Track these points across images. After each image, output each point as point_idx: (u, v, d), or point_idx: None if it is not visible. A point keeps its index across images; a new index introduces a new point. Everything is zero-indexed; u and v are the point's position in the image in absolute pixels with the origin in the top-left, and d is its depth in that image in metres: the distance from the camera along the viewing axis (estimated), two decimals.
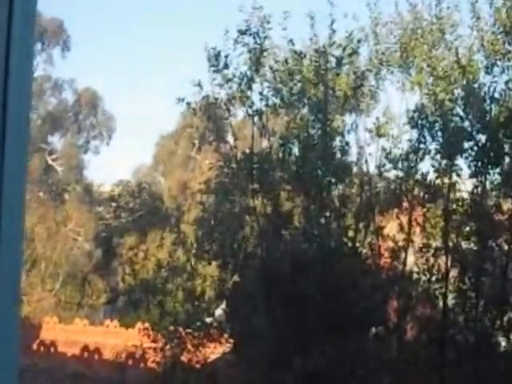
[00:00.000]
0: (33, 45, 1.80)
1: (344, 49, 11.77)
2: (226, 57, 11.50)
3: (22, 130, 1.74)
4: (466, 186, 11.87)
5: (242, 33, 11.45)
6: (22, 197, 1.80)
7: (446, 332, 11.36)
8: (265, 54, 11.60)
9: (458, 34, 11.86)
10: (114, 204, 36.06)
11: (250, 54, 11.48)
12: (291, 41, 11.85)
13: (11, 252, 1.73)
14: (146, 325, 12.51)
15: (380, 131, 11.90)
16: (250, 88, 11.62)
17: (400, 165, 11.79)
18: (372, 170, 12.08)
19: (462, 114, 11.66)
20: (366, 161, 12.00)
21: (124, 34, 43.31)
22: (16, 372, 1.72)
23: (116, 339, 15.15)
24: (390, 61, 12.06)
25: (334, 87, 11.78)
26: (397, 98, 12.09)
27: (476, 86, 11.64)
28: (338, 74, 11.81)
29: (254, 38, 11.48)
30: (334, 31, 11.88)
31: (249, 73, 11.56)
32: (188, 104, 11.67)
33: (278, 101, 11.90)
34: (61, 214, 32.92)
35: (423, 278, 11.61)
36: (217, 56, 11.54)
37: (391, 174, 12.05)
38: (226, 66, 11.56)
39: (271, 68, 11.83)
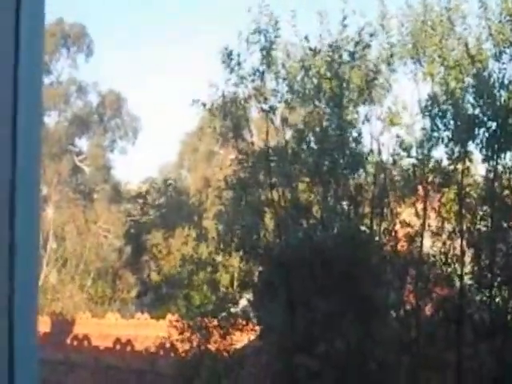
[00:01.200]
0: (42, 51, 1.81)
1: (357, 43, 12.09)
2: (239, 56, 11.87)
3: (34, 132, 1.77)
4: (478, 170, 12.20)
5: (253, 32, 11.83)
6: (37, 203, 1.79)
7: (462, 312, 11.66)
8: (275, 47, 11.93)
9: (467, 24, 12.17)
10: (141, 201, 36.35)
11: (262, 52, 11.84)
12: (306, 37, 12.19)
13: (27, 258, 1.73)
14: (175, 317, 12.81)
15: (394, 121, 12.21)
16: (263, 85, 11.99)
17: (414, 153, 12.10)
18: (387, 159, 12.39)
19: (472, 101, 11.94)
20: (380, 150, 12.31)
21: (143, 35, 43.74)
22: (36, 373, 1.77)
23: (147, 331, 15.40)
24: (402, 52, 12.36)
25: (349, 81, 12.08)
26: (410, 89, 12.40)
27: (486, 73, 11.91)
28: (352, 68, 12.12)
29: (265, 35, 11.87)
30: (345, 26, 12.20)
31: (261, 69, 11.92)
32: (204, 105, 12.06)
33: (293, 96, 12.24)
34: (90, 212, 33.33)
35: (440, 260, 11.94)
36: (230, 56, 11.91)
37: (406, 162, 12.35)
38: (240, 65, 11.92)
39: (284, 65, 12.18)
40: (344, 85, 12.02)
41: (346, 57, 12.18)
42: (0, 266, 1.67)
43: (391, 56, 12.28)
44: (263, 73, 11.94)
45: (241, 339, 12.67)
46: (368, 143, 12.27)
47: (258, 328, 12.28)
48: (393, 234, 12.10)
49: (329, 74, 12.07)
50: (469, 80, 11.96)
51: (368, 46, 12.14)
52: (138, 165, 55.54)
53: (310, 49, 12.17)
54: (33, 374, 1.74)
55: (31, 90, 1.75)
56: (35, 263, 1.80)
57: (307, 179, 12.08)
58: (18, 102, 1.70)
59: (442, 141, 11.92)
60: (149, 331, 15.27)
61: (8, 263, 1.67)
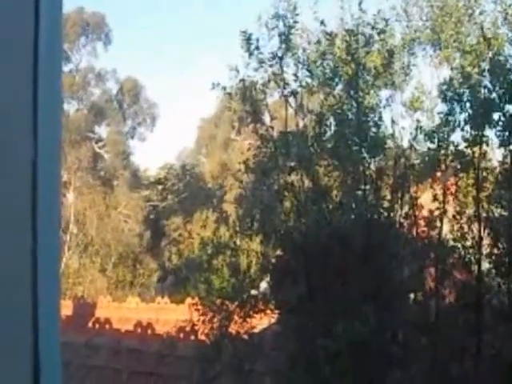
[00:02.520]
0: (61, 39, 1.83)
1: (373, 28, 12.13)
2: (258, 40, 11.95)
3: (55, 119, 1.79)
4: (495, 155, 12.22)
5: (272, 17, 11.91)
6: (58, 189, 1.82)
7: (481, 296, 11.70)
8: (294, 32, 11.99)
9: (483, 9, 12.18)
10: (160, 187, 36.59)
11: (281, 37, 11.91)
12: (322, 22, 12.24)
13: (49, 242, 1.75)
14: (195, 300, 12.89)
15: (413, 105, 12.24)
16: (282, 69, 12.06)
17: (432, 137, 12.12)
18: (407, 143, 12.45)
19: (489, 85, 11.94)
20: (401, 134, 12.37)
21: (159, 23, 43.85)
22: (59, 357, 1.81)
23: (167, 315, 15.53)
24: (421, 38, 12.40)
25: (365, 65, 12.12)
26: (428, 74, 12.46)
27: (501, 58, 11.92)
28: (368, 52, 12.16)
29: (283, 20, 11.93)
30: (363, 11, 12.24)
31: (280, 53, 12.00)
32: (224, 88, 12.14)
33: (311, 81, 12.30)
34: (110, 198, 33.59)
35: (458, 245, 11.97)
36: (250, 40, 11.98)
37: (424, 147, 12.38)
38: (259, 50, 11.99)
39: (304, 50, 12.24)
40: (362, 68, 12.05)
41: (363, 41, 12.20)
42: (22, 252, 1.70)
43: (411, 40, 12.31)
44: (282, 58, 12.00)
45: (261, 322, 12.75)
46: (388, 127, 12.32)
47: (277, 311, 12.35)
48: (412, 218, 12.14)
49: (348, 58, 12.10)
50: (485, 64, 11.96)
51: (385, 30, 12.17)
52: (156, 151, 55.86)
53: (327, 33, 12.22)
54: (57, 356, 1.78)
55: (51, 78, 1.77)
56: (57, 248, 1.84)
57: (326, 163, 12.12)
58: (38, 91, 1.72)
59: (459, 125, 11.95)
60: (169, 315, 15.40)
61: (30, 248, 1.70)
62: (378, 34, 12.16)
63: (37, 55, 1.73)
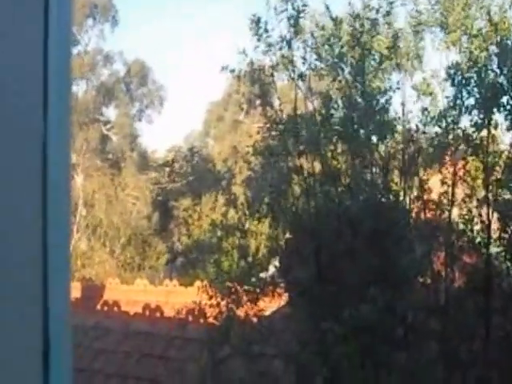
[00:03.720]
0: (70, 22, 1.84)
1: (377, 11, 12.10)
2: (266, 23, 11.94)
3: (64, 101, 1.81)
4: (504, 139, 12.19)
5: (281, 0, 11.90)
6: (68, 172, 1.86)
7: (490, 280, 11.70)
8: (303, 17, 11.98)
9: None
10: (168, 169, 36.64)
11: (290, 20, 11.90)
12: (327, 7, 12.24)
13: (60, 224, 1.77)
14: (204, 283, 12.91)
15: (422, 89, 12.21)
16: (291, 53, 12.05)
17: (441, 121, 12.09)
18: (415, 127, 12.40)
19: (496, 69, 11.89)
20: (409, 118, 12.34)
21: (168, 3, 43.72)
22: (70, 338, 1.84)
23: (176, 298, 15.53)
24: (428, 21, 12.34)
25: (371, 49, 12.10)
26: (437, 57, 12.42)
27: (509, 42, 11.88)
28: (373, 36, 12.13)
29: (292, 4, 11.92)
30: None
31: (288, 36, 11.98)
32: (232, 71, 12.13)
33: (320, 63, 12.28)
34: (118, 180, 33.64)
35: (467, 228, 11.95)
36: (259, 23, 11.96)
37: (433, 131, 12.36)
38: (268, 33, 11.98)
39: (312, 34, 12.22)
40: (368, 52, 12.02)
41: (369, 25, 12.18)
42: (33, 234, 1.72)
43: (418, 24, 12.26)
44: (290, 40, 11.99)
45: (270, 305, 12.76)
46: (397, 111, 12.30)
47: (286, 294, 12.37)
48: (421, 201, 12.13)
49: (354, 43, 12.07)
50: (492, 48, 11.91)
51: (390, 13, 12.14)
52: (164, 133, 56.01)
53: (332, 18, 12.20)
54: (67, 339, 1.80)
55: (61, 61, 1.78)
56: (68, 230, 1.87)
57: (334, 147, 12.11)
58: (48, 74, 1.74)
59: (467, 109, 11.91)
60: (178, 297, 15.40)
61: (41, 231, 1.72)
62: (384, 16, 12.12)
63: (47, 38, 1.74)
